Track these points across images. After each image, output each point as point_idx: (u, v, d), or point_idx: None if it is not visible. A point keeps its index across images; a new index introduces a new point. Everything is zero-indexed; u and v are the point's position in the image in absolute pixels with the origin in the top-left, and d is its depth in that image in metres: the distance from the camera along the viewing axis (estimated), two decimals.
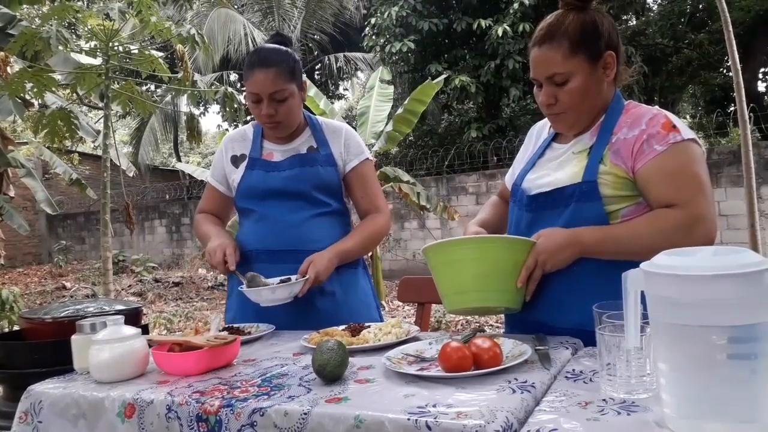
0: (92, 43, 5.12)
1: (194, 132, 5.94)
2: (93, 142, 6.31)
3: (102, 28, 4.68)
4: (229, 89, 5.17)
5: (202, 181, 8.05)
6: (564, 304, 1.38)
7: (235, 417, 1.04)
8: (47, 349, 1.91)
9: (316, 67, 16.44)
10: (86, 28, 4.92)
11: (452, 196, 9.19)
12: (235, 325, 1.70)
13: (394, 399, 1.00)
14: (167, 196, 13.72)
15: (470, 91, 10.40)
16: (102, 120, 5.15)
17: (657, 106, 1.42)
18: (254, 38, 13.23)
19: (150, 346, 1.35)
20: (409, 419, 0.91)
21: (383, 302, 6.45)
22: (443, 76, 6.94)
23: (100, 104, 5.63)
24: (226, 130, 14.97)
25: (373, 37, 11.13)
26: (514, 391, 0.99)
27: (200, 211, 2.01)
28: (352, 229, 1.89)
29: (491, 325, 5.41)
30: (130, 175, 8.10)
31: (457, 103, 12.31)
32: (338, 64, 14.86)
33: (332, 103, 9.21)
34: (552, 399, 0.97)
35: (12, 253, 12.49)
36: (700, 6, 12.73)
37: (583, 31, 1.36)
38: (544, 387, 1.03)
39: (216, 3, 13.41)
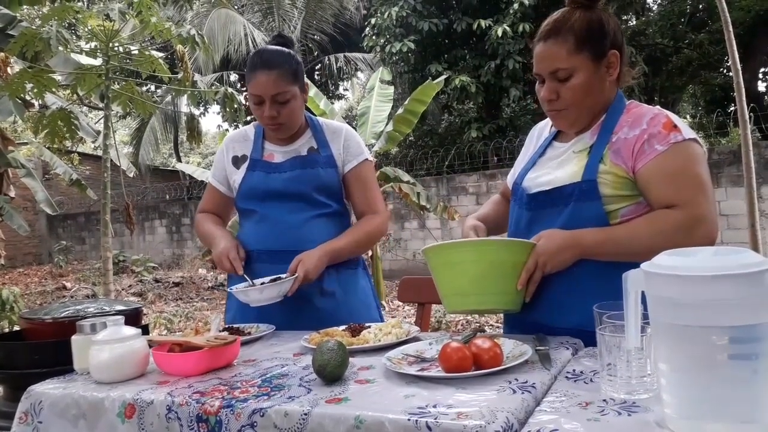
0: (92, 44, 5.13)
1: (194, 132, 5.94)
2: (93, 142, 6.31)
3: (102, 28, 4.68)
4: (230, 90, 5.17)
5: (202, 181, 8.06)
6: (563, 304, 1.38)
7: (235, 417, 1.04)
8: (47, 350, 1.91)
9: (316, 68, 16.44)
10: (86, 29, 4.92)
11: (452, 196, 9.19)
12: (235, 326, 1.70)
13: (395, 399, 1.00)
14: (167, 197, 13.73)
15: (470, 92, 10.40)
16: (102, 120, 5.15)
17: (658, 106, 1.42)
18: (254, 39, 13.23)
19: (150, 346, 1.35)
20: (409, 420, 0.90)
21: (383, 302, 6.45)
22: (443, 77, 6.95)
23: (101, 105, 5.63)
24: (226, 130, 14.97)
25: (373, 37, 11.13)
26: (514, 392, 0.99)
27: (201, 211, 2.01)
28: None
29: (491, 326, 5.41)
30: (131, 175, 8.10)
31: (458, 103, 12.31)
32: (338, 65, 14.86)
33: (332, 103, 9.20)
34: (552, 399, 0.97)
35: (12, 253, 12.49)
36: (700, 6, 12.74)
37: (589, 28, 1.37)
38: (544, 387, 1.03)
39: (216, 3, 13.41)
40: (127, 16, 4.56)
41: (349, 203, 1.94)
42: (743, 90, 4.81)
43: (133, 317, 2.05)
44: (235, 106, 5.15)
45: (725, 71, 12.64)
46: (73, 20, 5.46)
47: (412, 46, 10.62)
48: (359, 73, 17.10)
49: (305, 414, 0.99)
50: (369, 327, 1.52)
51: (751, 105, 5.88)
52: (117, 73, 5.01)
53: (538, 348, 1.21)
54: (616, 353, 0.96)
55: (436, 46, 11.20)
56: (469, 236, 1.55)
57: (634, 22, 13.27)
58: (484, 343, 1.12)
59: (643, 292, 0.86)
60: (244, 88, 1.97)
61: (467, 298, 1.35)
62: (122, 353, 1.28)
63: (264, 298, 1.62)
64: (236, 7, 14.76)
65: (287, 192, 1.81)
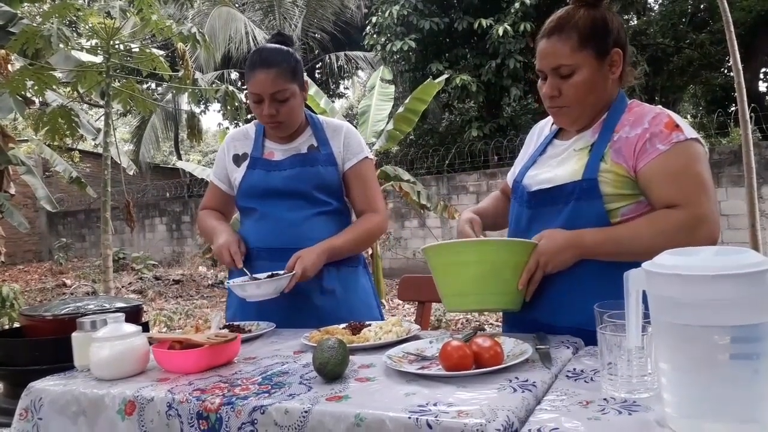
0: (93, 41, 5.12)
1: (195, 130, 5.94)
2: (94, 140, 6.29)
3: (103, 26, 4.67)
4: (230, 88, 5.17)
5: (202, 179, 8.06)
6: (563, 303, 1.38)
7: (235, 415, 1.04)
8: (48, 347, 1.92)
9: (317, 66, 16.43)
10: (87, 26, 4.92)
11: (453, 195, 9.19)
12: (236, 323, 1.70)
13: (395, 397, 1.00)
14: (168, 194, 13.73)
15: (471, 90, 10.39)
16: (103, 118, 5.15)
17: (660, 106, 1.42)
18: (255, 37, 13.23)
19: (150, 343, 1.35)
20: (410, 418, 0.90)
21: (383, 301, 6.45)
22: (444, 76, 6.94)
23: (101, 102, 5.62)
24: (227, 128, 14.96)
25: (374, 35, 11.12)
26: (515, 390, 0.99)
27: (203, 209, 2.02)
28: None
29: (491, 324, 5.41)
30: (131, 173, 8.09)
31: (458, 102, 12.30)
32: (339, 63, 14.85)
33: (333, 101, 9.20)
34: (553, 398, 0.97)
35: (12, 250, 12.49)
36: (702, 6, 12.73)
37: (593, 26, 1.37)
38: (545, 386, 1.03)
39: (217, 1, 13.41)
40: (127, 13, 4.56)
41: (350, 201, 1.94)
42: (744, 90, 4.81)
43: (133, 314, 2.05)
44: (236, 104, 5.14)
45: (726, 71, 12.63)
46: (74, 17, 5.46)
47: (413, 44, 10.61)
48: (360, 72, 17.09)
49: (306, 412, 0.99)
50: (369, 325, 1.51)
51: (752, 105, 5.89)
52: (118, 71, 5.00)
53: (538, 347, 1.21)
54: (617, 352, 0.96)
55: (437, 45, 11.20)
56: (464, 229, 1.54)
57: (636, 22, 13.26)
58: (484, 342, 1.12)
59: (644, 292, 0.86)
60: (245, 87, 1.97)
61: (467, 297, 1.35)
62: (122, 350, 1.28)
63: (261, 293, 1.63)
64: (237, 5, 14.75)
65: (287, 190, 1.81)
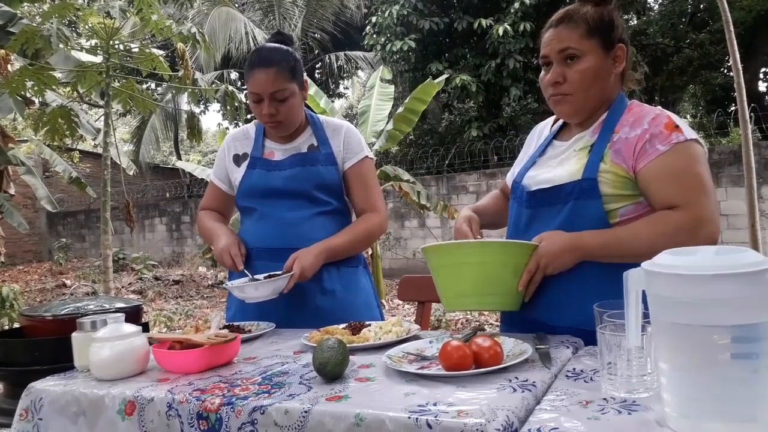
0: (93, 41, 5.12)
1: (195, 130, 5.93)
2: (93, 140, 6.29)
3: (103, 26, 4.67)
4: (230, 87, 5.17)
5: (202, 179, 8.06)
6: (563, 303, 1.38)
7: (235, 415, 1.04)
8: (48, 347, 1.92)
9: (317, 66, 16.43)
10: (87, 26, 4.92)
11: (452, 195, 9.19)
12: (236, 323, 1.70)
13: (395, 397, 1.00)
14: (167, 195, 13.73)
15: (471, 90, 10.40)
16: (102, 118, 5.15)
17: (659, 107, 1.42)
18: (255, 37, 13.23)
19: (150, 343, 1.35)
20: (409, 418, 0.90)
21: (383, 301, 6.45)
22: (444, 76, 6.94)
23: (101, 102, 5.63)
24: (227, 128, 14.96)
25: (374, 35, 11.12)
26: (514, 390, 0.99)
27: (202, 209, 2.01)
28: None
29: (491, 324, 5.41)
30: (131, 173, 8.08)
31: (458, 102, 12.30)
32: (339, 63, 14.85)
33: (332, 101, 9.20)
34: (553, 398, 0.97)
35: (12, 250, 12.48)
36: (701, 6, 12.73)
37: (601, 19, 1.40)
38: (544, 386, 1.03)
39: (217, 1, 13.40)
40: (127, 13, 4.56)
41: (350, 201, 1.94)
42: (744, 90, 4.81)
43: (133, 315, 2.05)
44: (236, 104, 5.14)
45: (726, 71, 12.63)
46: (74, 17, 5.46)
47: (413, 44, 10.62)
48: (360, 72, 17.09)
49: (305, 412, 0.99)
50: (369, 325, 1.51)
51: (752, 105, 5.89)
52: (117, 71, 5.00)
53: (538, 347, 1.21)
54: (617, 352, 0.96)
55: (437, 45, 11.20)
56: (462, 227, 1.54)
57: (635, 22, 13.26)
58: (484, 342, 1.12)
59: (643, 291, 0.86)
60: (245, 86, 1.97)
61: (467, 298, 1.35)
62: (122, 350, 1.28)
63: (259, 294, 1.62)
64: (237, 5, 14.74)
65: (287, 190, 1.81)
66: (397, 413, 0.92)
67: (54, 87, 4.72)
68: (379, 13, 10.83)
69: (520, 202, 1.51)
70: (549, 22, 1.45)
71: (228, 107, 5.17)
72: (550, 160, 1.49)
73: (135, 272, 10.48)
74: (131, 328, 1.34)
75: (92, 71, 4.85)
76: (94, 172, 13.62)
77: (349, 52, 14.81)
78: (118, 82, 5.07)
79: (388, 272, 8.39)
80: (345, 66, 15.12)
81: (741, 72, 4.80)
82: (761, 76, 13.84)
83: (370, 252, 6.00)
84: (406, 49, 10.64)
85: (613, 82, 1.44)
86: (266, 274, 1.68)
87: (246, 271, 1.74)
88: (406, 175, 6.32)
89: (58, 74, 4.82)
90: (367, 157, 1.89)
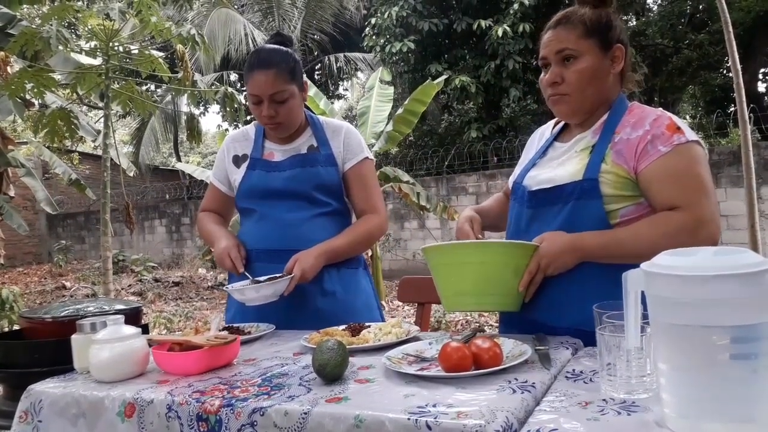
0: (92, 43, 5.12)
1: (194, 132, 5.93)
2: (93, 141, 6.31)
3: (102, 28, 4.68)
4: (229, 89, 5.17)
5: (202, 180, 8.05)
6: (563, 303, 1.38)
7: (235, 416, 1.04)
8: (47, 349, 1.91)
9: (316, 68, 16.43)
10: (86, 28, 4.92)
11: (452, 196, 9.20)
12: (235, 325, 1.70)
13: (395, 399, 1.00)
14: (167, 196, 13.73)
15: (470, 92, 10.40)
16: (102, 120, 5.15)
17: (661, 108, 1.43)
18: (254, 38, 13.23)
19: (150, 345, 1.35)
20: (409, 419, 0.90)
21: (383, 302, 6.45)
22: (443, 77, 6.95)
23: (100, 104, 5.63)
24: (226, 130, 14.97)
25: (373, 37, 11.12)
26: (514, 391, 0.99)
27: (202, 210, 2.02)
28: None
29: (491, 326, 5.41)
30: (131, 174, 8.10)
31: (457, 103, 12.31)
32: (338, 65, 14.86)
33: (332, 103, 9.20)
34: (552, 399, 0.97)
35: (12, 252, 12.49)
36: (700, 6, 12.74)
37: (599, 20, 1.42)
38: (544, 387, 1.03)
39: (216, 3, 13.41)
40: (127, 15, 4.56)
41: (350, 202, 1.94)
42: (743, 90, 4.81)
43: (132, 316, 2.05)
44: (235, 105, 5.15)
45: (725, 72, 12.64)
46: (73, 19, 5.46)
47: (412, 46, 10.62)
48: (359, 73, 17.10)
49: (305, 413, 0.99)
50: (369, 326, 1.52)
51: (751, 105, 5.89)
52: (117, 73, 5.01)
53: (537, 348, 1.21)
54: (616, 353, 0.96)
55: (436, 46, 11.20)
56: (463, 227, 1.55)
57: (635, 23, 13.27)
58: (483, 343, 1.12)
59: (642, 292, 0.86)
60: (244, 88, 1.98)
61: (467, 298, 1.35)
62: (122, 352, 1.28)
63: (260, 296, 1.62)
64: (236, 6, 14.75)
65: (287, 191, 1.81)
66: (396, 414, 0.92)
67: (53, 89, 4.72)
68: (379, 14, 10.83)
69: (521, 202, 1.51)
70: (548, 24, 1.47)
71: (227, 109, 5.17)
72: (551, 161, 1.49)
73: (135, 274, 10.48)
74: (131, 329, 1.33)
75: (92, 73, 4.86)
76: (93, 173, 13.63)
77: (348, 54, 14.82)
78: (118, 83, 5.07)
79: (387, 273, 8.39)
80: (344, 67, 15.13)
81: (740, 73, 4.81)
82: (760, 76, 13.85)
83: (369, 253, 6.00)
84: (406, 51, 10.65)
85: (612, 83, 1.44)
86: (267, 277, 1.68)
87: (246, 273, 1.74)
88: (405, 177, 6.33)
89: (57, 76, 4.83)
90: (367, 158, 1.89)
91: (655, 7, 14.20)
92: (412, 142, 13.06)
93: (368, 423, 0.93)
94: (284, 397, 1.06)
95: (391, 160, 11.40)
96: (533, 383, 1.03)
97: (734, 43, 4.79)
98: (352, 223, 1.89)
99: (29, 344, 2.01)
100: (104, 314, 1.83)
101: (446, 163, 10.03)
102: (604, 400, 0.94)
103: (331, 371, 1.12)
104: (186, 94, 5.51)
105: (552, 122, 1.64)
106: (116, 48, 4.88)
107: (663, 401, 0.83)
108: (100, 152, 5.44)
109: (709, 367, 0.76)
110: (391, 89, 7.02)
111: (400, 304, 6.72)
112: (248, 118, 8.49)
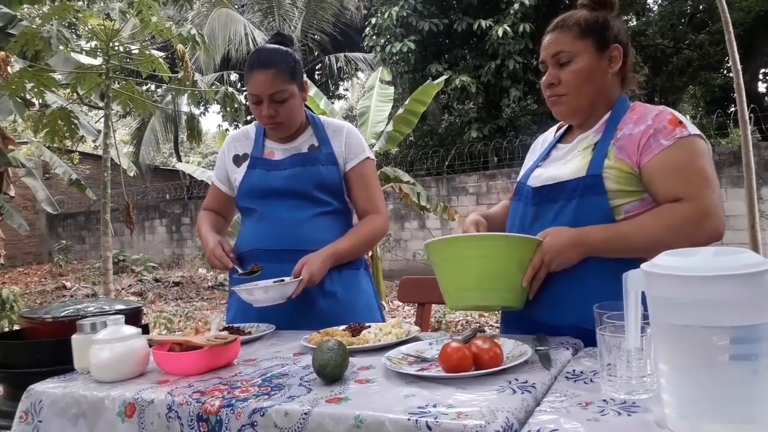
0: (93, 43, 5.13)
1: (194, 132, 5.93)
2: (93, 141, 6.31)
3: (102, 28, 4.68)
4: (230, 89, 5.17)
5: (202, 181, 8.04)
6: (565, 301, 1.37)
7: (235, 417, 1.04)
8: (47, 349, 1.92)
9: (317, 68, 16.43)
10: (87, 28, 4.92)
11: (452, 197, 9.20)
12: (236, 325, 1.70)
13: (395, 399, 1.00)
14: (167, 196, 13.73)
15: (471, 92, 10.40)
16: (102, 120, 5.15)
17: (663, 105, 1.43)
18: (255, 38, 13.24)
19: (150, 345, 1.35)
20: (409, 419, 0.90)
21: (383, 302, 6.45)
22: (444, 77, 6.94)
23: (101, 104, 5.63)
24: (227, 130, 14.97)
25: (374, 37, 11.13)
26: (514, 392, 0.99)
27: (204, 209, 2.02)
28: None
29: (491, 326, 5.41)
30: (131, 174, 8.10)
31: (458, 103, 12.31)
32: (338, 65, 14.85)
33: (332, 103, 9.21)
34: (552, 399, 0.97)
35: (12, 252, 12.49)
36: (701, 6, 12.73)
37: (595, 21, 1.43)
38: (544, 387, 1.03)
39: (217, 3, 13.41)
40: (127, 15, 4.57)
41: (351, 201, 1.93)
42: (743, 91, 4.81)
43: (133, 316, 2.05)
44: (236, 105, 5.15)
45: (725, 72, 12.64)
46: (74, 19, 5.46)
47: (413, 46, 10.62)
48: (359, 73, 17.10)
49: (305, 413, 0.99)
50: (369, 327, 1.52)
51: (752, 106, 5.88)
52: (117, 73, 5.01)
53: (538, 348, 1.21)
54: (616, 353, 0.96)
55: (437, 46, 11.20)
56: (468, 230, 1.54)
57: (635, 23, 13.27)
58: (484, 343, 1.12)
59: (643, 293, 0.86)
60: (245, 88, 1.98)
61: (470, 293, 1.33)
62: (122, 352, 1.28)
63: (268, 298, 1.62)
64: (237, 6, 14.75)
65: (287, 189, 1.81)
66: (396, 415, 0.92)
67: (54, 89, 4.72)
68: (379, 14, 10.84)
69: (525, 200, 1.51)
70: (548, 28, 1.49)
71: (228, 109, 5.18)
72: (555, 162, 1.50)
73: (135, 274, 10.48)
74: (131, 330, 1.34)
75: (92, 73, 4.86)
76: (94, 173, 13.64)
77: (348, 54, 14.81)
78: (118, 83, 5.08)
79: (388, 274, 8.39)
80: (345, 67, 15.12)
81: (740, 73, 4.81)
82: (761, 76, 13.85)
83: (370, 254, 6.00)
84: (406, 51, 10.65)
85: (611, 83, 1.45)
86: (273, 280, 1.68)
87: (237, 267, 1.75)
88: (406, 177, 6.33)
89: (57, 76, 4.83)
90: (368, 158, 1.89)
91: (656, 7, 14.21)
92: (412, 142, 13.06)
93: (368, 423, 0.93)
94: (284, 397, 1.06)
95: (392, 160, 11.41)
96: (533, 384, 1.03)
97: (734, 43, 4.79)
98: (355, 225, 1.89)
99: (29, 344, 2.02)
100: (104, 314, 1.83)
101: (446, 163, 10.03)
102: (604, 400, 0.94)
103: (331, 371, 1.12)
104: (186, 94, 5.51)
105: (555, 127, 1.66)
106: (116, 48, 4.88)
107: (663, 402, 0.83)
108: (100, 152, 5.44)
109: (710, 368, 0.76)
110: (392, 89, 7.02)
111: (401, 304, 6.72)
112: (248, 118, 8.51)
